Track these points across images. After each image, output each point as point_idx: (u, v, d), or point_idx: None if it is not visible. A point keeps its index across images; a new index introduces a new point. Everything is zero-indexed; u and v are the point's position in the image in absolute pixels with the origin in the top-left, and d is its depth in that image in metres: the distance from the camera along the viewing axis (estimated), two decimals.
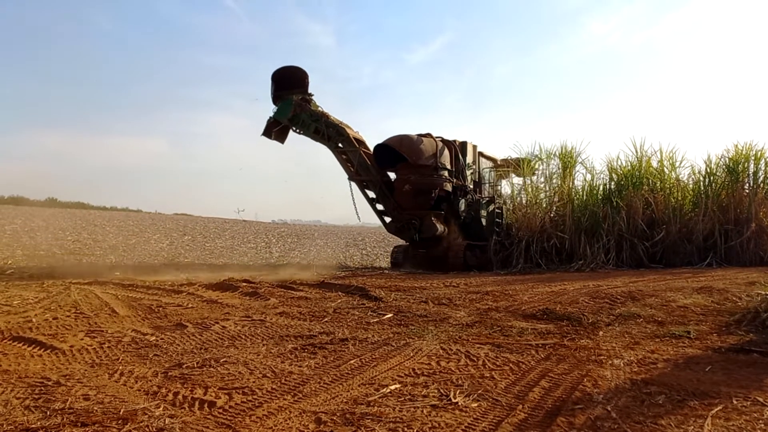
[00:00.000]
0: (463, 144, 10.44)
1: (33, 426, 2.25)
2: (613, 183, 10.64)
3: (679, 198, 10.39)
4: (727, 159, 10.40)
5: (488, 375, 3.05)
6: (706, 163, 10.54)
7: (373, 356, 3.42)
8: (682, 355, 3.51)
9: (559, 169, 10.74)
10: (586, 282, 7.07)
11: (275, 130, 10.16)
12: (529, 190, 10.57)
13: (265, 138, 10.19)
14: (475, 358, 3.39)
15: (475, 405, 2.56)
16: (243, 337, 3.92)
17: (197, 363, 3.22)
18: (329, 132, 9.90)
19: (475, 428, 2.28)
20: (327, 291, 6.29)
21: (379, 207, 10.14)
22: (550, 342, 3.84)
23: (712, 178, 10.39)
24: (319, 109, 9.98)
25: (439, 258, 9.53)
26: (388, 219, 10.14)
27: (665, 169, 10.59)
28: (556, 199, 10.56)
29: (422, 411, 2.48)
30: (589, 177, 10.81)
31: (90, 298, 5.29)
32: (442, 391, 2.76)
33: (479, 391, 2.75)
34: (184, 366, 3.16)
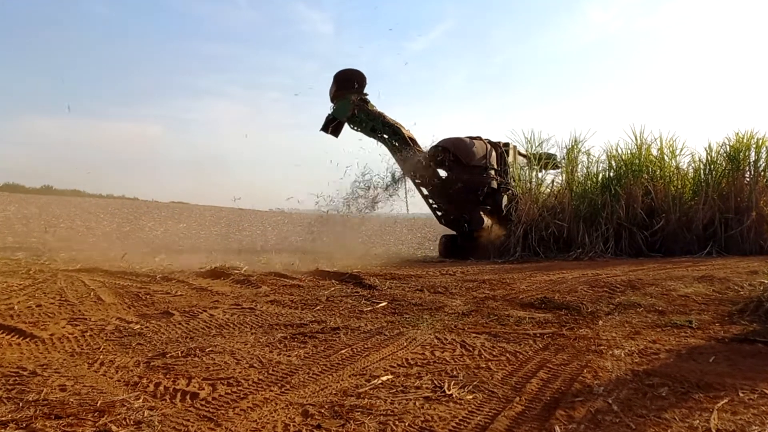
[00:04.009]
0: (506, 145, 11.07)
1: (3, 419, 2.13)
2: (612, 171, 10.48)
3: (679, 186, 10.21)
4: (728, 147, 10.22)
5: (484, 365, 2.94)
6: (706, 151, 10.35)
7: (365, 346, 3.30)
8: (685, 346, 3.40)
9: (564, 158, 10.65)
10: (584, 271, 6.96)
11: (332, 125, 10.70)
12: (525, 180, 10.44)
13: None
14: (470, 348, 3.27)
15: (470, 397, 2.45)
16: (231, 325, 3.80)
17: (182, 352, 3.09)
18: (386, 131, 10.45)
19: (469, 422, 2.17)
20: (320, 279, 6.16)
21: (431, 201, 10.75)
22: (549, 331, 3.73)
23: (712, 166, 10.23)
24: (376, 109, 10.48)
25: (483, 247, 10.06)
26: (439, 212, 10.81)
27: (665, 157, 10.43)
28: (554, 187, 10.44)
29: (414, 403, 2.36)
30: (588, 164, 10.68)
31: (76, 285, 5.16)
32: (436, 382, 2.65)
33: (475, 383, 2.63)
34: (167, 355, 3.03)
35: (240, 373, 2.76)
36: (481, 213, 10.30)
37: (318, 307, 4.54)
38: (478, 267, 7.85)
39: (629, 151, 10.48)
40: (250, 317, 4.07)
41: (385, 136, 10.49)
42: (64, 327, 3.58)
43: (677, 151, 10.48)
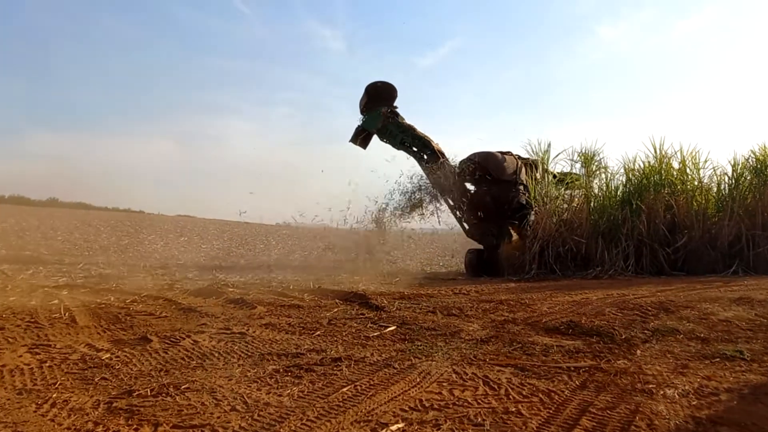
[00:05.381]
0: (535, 161, 10.92)
1: None
2: (631, 185, 9.99)
3: (702, 201, 9.69)
4: (753, 160, 9.74)
5: (514, 409, 2.43)
6: (731, 164, 9.86)
7: (371, 382, 2.80)
8: (745, 383, 2.89)
9: (582, 170, 10.24)
10: (608, 290, 6.44)
11: (361, 137, 10.63)
12: (541, 194, 9.99)
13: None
14: (495, 386, 2.77)
15: None
16: (216, 354, 3.29)
17: (152, 390, 2.59)
18: (415, 144, 10.37)
19: None
20: (322, 298, 5.67)
21: (459, 215, 10.54)
22: (583, 365, 3.21)
23: (738, 180, 9.71)
24: (406, 122, 10.38)
25: (509, 262, 9.82)
26: (467, 225, 10.59)
27: (687, 170, 9.93)
28: (572, 201, 9.98)
29: None
30: (607, 179, 10.20)
31: (52, 304, 4.69)
32: None
33: None
34: (134, 394, 2.54)
35: (218, 418, 2.27)
36: (510, 228, 10.10)
37: (318, 332, 4.04)
38: (493, 286, 7.34)
39: (649, 164, 9.99)
40: (239, 344, 3.56)
41: (415, 149, 10.38)
42: (21, 356, 3.10)
43: (700, 164, 9.97)
